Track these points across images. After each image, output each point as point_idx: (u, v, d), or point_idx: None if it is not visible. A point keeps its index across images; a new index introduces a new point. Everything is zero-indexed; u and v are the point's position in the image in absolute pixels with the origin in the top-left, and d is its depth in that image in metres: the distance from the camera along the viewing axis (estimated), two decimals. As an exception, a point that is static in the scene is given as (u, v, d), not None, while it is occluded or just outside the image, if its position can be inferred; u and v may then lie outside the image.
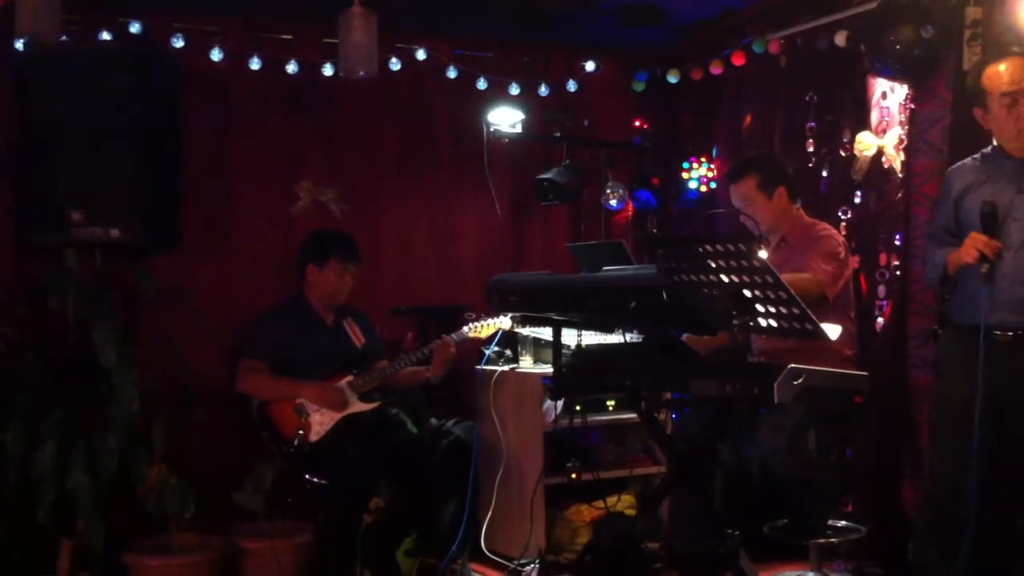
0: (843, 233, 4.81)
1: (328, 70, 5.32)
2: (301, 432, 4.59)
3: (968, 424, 3.38)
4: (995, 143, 3.68)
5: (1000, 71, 3.53)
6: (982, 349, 3.32)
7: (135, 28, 4.93)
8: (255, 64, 5.20)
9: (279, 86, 5.34)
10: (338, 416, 4.67)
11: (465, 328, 4.84)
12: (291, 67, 5.28)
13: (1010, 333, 3.45)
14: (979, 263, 3.39)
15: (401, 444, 4.83)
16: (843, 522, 4.45)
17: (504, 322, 4.81)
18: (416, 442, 4.97)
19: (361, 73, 4.65)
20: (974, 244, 3.41)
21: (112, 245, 4.56)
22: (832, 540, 4.37)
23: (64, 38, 4.59)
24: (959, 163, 3.82)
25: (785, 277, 3.93)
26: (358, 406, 4.73)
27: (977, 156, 3.73)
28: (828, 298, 4.18)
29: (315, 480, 4.59)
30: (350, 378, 4.75)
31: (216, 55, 5.11)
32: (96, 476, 4.39)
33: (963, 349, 3.53)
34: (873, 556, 4.52)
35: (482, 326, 4.85)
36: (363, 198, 5.57)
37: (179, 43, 5.02)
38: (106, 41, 4.84)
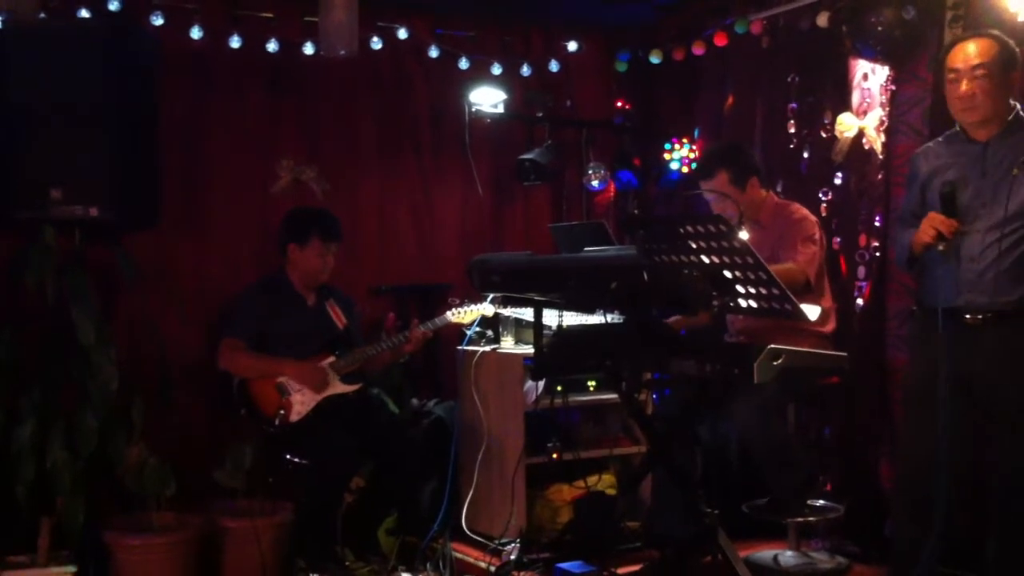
0: (823, 214, 4.83)
1: (309, 49, 5.29)
2: (282, 411, 4.58)
3: (935, 405, 3.40)
4: (959, 125, 3.65)
5: (956, 49, 3.53)
6: (941, 328, 3.33)
7: (114, 6, 4.88)
8: (235, 42, 5.17)
9: (259, 65, 5.30)
10: (319, 396, 4.66)
11: (448, 313, 4.83)
12: (271, 46, 5.24)
13: (979, 316, 3.46)
14: (936, 242, 3.40)
15: (382, 424, 4.83)
16: (821, 501, 4.49)
17: (487, 308, 4.80)
18: (397, 422, 4.97)
19: (341, 52, 4.63)
20: (931, 223, 3.42)
21: (91, 223, 4.53)
22: (810, 519, 4.41)
23: (42, 15, 4.56)
24: (924, 146, 3.81)
25: (772, 269, 3.98)
26: (340, 387, 4.72)
27: (941, 139, 3.71)
28: (812, 282, 4.21)
29: (295, 460, 4.59)
30: (332, 359, 4.74)
31: (195, 33, 5.07)
32: (75, 454, 4.37)
33: (928, 331, 3.55)
34: (851, 535, 4.56)
35: (464, 312, 4.84)
36: (344, 177, 5.54)
37: (158, 21, 4.98)
38: (85, 18, 4.79)
